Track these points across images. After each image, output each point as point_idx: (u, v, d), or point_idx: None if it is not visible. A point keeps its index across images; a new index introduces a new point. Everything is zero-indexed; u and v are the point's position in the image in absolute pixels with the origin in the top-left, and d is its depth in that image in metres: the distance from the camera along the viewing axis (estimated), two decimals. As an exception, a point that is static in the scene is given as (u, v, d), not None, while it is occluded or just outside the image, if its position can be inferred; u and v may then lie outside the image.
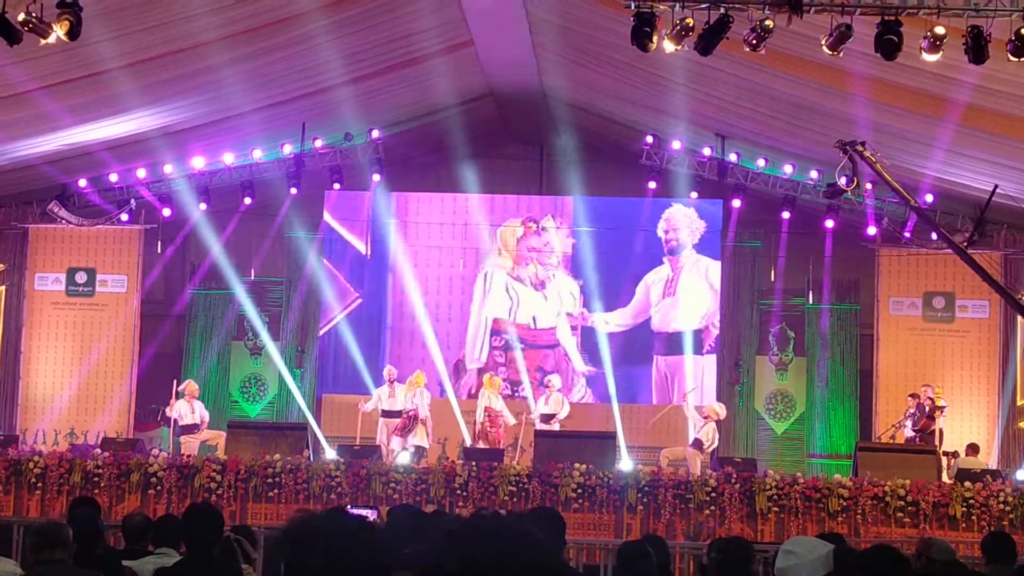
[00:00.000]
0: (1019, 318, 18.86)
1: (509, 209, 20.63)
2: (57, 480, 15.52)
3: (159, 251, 20.49)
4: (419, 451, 17.00)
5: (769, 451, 19.82)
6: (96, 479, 15.47)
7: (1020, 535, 13.22)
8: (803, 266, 20.08)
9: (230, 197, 19.80)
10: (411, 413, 17.47)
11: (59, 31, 11.77)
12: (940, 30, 11.50)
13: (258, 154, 19.36)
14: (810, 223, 19.41)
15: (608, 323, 20.08)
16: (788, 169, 18.85)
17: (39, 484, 15.57)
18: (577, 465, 15.18)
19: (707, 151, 19.02)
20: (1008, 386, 18.97)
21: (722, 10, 11.78)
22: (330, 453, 16.81)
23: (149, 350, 20.34)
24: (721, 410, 17.58)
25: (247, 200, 19.73)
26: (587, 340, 20.15)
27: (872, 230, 19.13)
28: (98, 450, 16.03)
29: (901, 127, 15.12)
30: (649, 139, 19.11)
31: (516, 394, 19.44)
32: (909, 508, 14.89)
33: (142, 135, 17.64)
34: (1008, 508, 14.84)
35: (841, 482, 15.15)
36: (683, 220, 20.26)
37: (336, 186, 19.71)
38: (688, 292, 20.11)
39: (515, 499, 15.06)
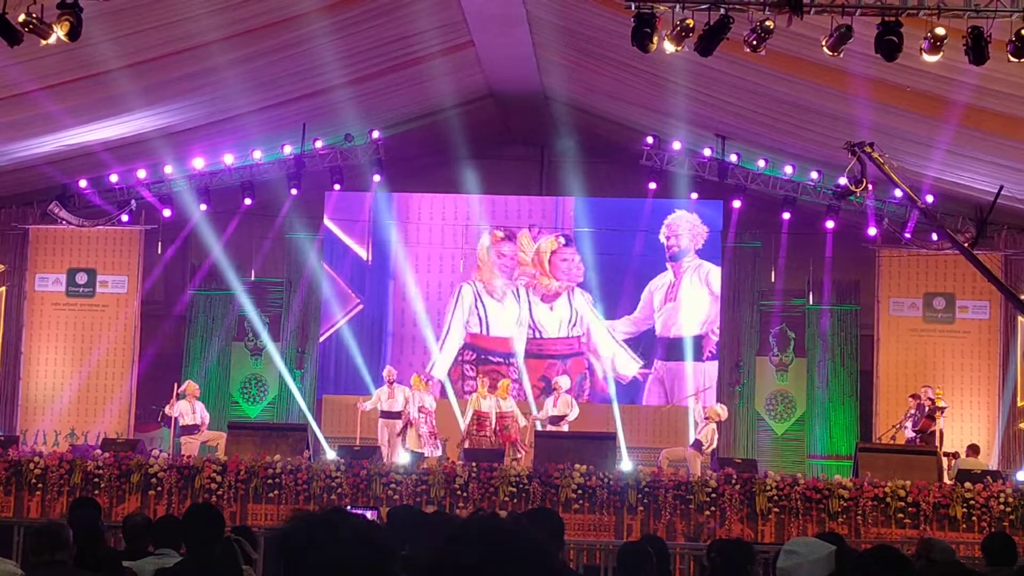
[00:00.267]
0: (1019, 319, 18.88)
1: (511, 210, 20.62)
2: (57, 481, 15.52)
3: (159, 252, 20.50)
4: (415, 455, 17.07)
5: (769, 452, 19.82)
6: (96, 480, 15.47)
7: (1020, 536, 13.22)
8: (803, 267, 20.08)
9: (230, 198, 19.81)
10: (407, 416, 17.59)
11: (59, 32, 11.77)
12: (940, 31, 11.50)
13: (258, 155, 19.37)
14: (810, 224, 19.42)
15: (615, 330, 20.10)
16: (788, 170, 18.85)
17: (39, 485, 15.57)
18: (577, 466, 15.18)
19: (707, 152, 19.03)
20: (1008, 387, 18.97)
21: (722, 11, 11.78)
22: (330, 454, 16.82)
23: (149, 351, 20.34)
24: (723, 411, 17.59)
25: (247, 201, 19.74)
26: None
27: (872, 231, 19.14)
28: (98, 451, 16.03)
29: (901, 128, 15.12)
30: (649, 140, 19.11)
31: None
32: (909, 509, 14.89)
33: (142, 136, 17.65)
34: (1008, 509, 14.84)
35: (841, 483, 15.15)
36: (685, 226, 20.26)
37: (336, 187, 19.72)
38: (689, 298, 20.11)
39: (515, 500, 15.06)
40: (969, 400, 19.11)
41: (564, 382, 18.38)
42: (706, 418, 17.35)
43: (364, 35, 15.68)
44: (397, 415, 17.74)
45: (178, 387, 17.74)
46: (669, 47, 12.14)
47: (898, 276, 19.66)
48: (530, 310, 20.28)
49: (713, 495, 15.03)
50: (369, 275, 20.63)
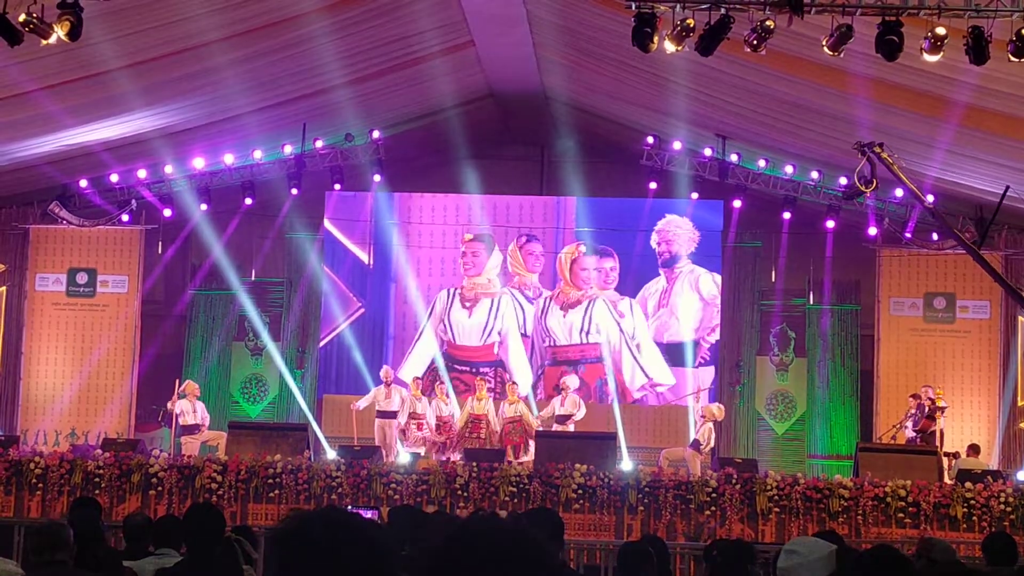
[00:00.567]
0: (1020, 318, 18.87)
1: (512, 210, 20.61)
2: (58, 481, 15.52)
3: (160, 252, 20.51)
4: (414, 455, 17.15)
5: (770, 452, 19.82)
6: (97, 480, 15.47)
7: (1021, 536, 13.21)
8: (804, 266, 20.08)
9: (231, 198, 19.82)
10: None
11: (60, 32, 11.77)
12: (941, 31, 11.50)
13: (259, 155, 19.37)
14: (811, 223, 19.42)
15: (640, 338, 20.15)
16: (789, 170, 18.85)
17: (40, 485, 15.57)
18: (578, 466, 15.18)
19: (708, 152, 19.03)
20: (1009, 387, 18.97)
21: (723, 11, 11.78)
22: (331, 454, 16.82)
23: (150, 351, 20.35)
24: (720, 411, 17.61)
25: (248, 201, 19.74)
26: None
27: (873, 231, 19.15)
28: (99, 451, 16.02)
29: (902, 128, 15.11)
30: (650, 140, 19.12)
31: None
32: (910, 509, 14.88)
33: (143, 136, 17.66)
34: (1009, 509, 14.83)
35: (842, 483, 15.14)
36: (677, 231, 20.24)
37: (337, 187, 19.72)
38: (680, 304, 20.10)
39: (516, 500, 15.06)
40: (969, 400, 19.11)
41: (572, 382, 18.41)
42: (703, 417, 17.37)
43: (364, 35, 15.68)
44: (394, 415, 17.80)
45: (179, 383, 17.76)
46: (669, 47, 12.14)
47: (898, 276, 19.66)
48: (544, 317, 20.21)
49: (713, 495, 15.03)
50: (370, 278, 20.63)
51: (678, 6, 11.84)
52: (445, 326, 20.26)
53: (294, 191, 19.52)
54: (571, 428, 17.65)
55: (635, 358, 19.95)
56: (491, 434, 17.57)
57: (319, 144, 19.28)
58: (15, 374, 20.09)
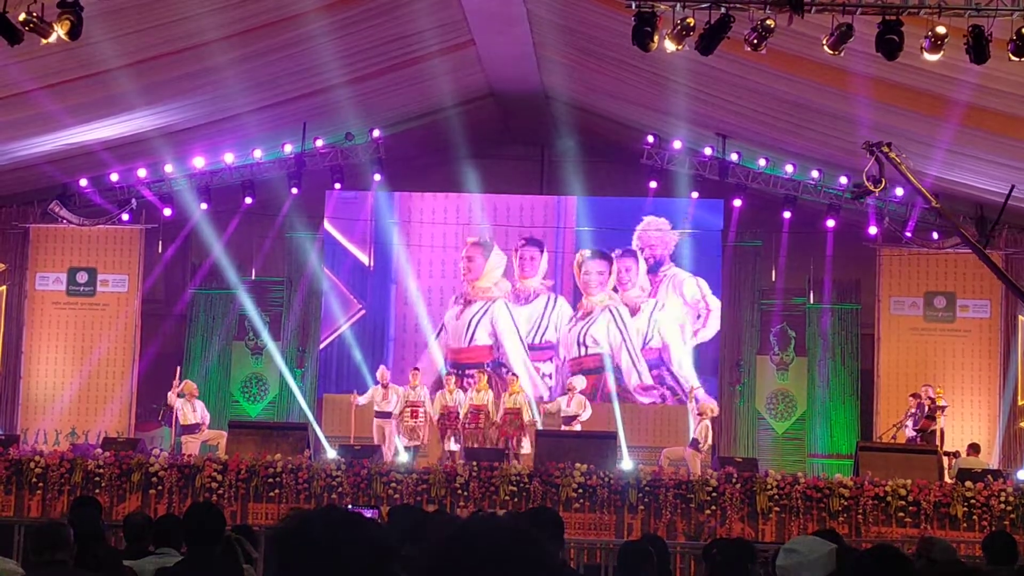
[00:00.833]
0: (1020, 317, 18.87)
1: (512, 210, 20.61)
2: (58, 480, 15.52)
3: (160, 251, 20.50)
4: (412, 451, 17.17)
5: (770, 451, 19.82)
6: (97, 479, 15.47)
7: (1021, 535, 13.20)
8: (804, 266, 20.08)
9: (231, 197, 19.81)
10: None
11: (60, 31, 11.77)
12: (941, 30, 11.50)
13: (259, 154, 19.37)
14: (811, 223, 19.42)
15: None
16: (789, 169, 18.85)
17: (40, 484, 15.57)
18: (578, 465, 15.18)
19: (708, 151, 19.03)
20: (1009, 386, 18.97)
21: (723, 10, 11.78)
22: (331, 453, 16.82)
23: (150, 350, 20.34)
24: (715, 408, 17.65)
25: (248, 200, 19.74)
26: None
27: (873, 230, 19.14)
28: (99, 450, 16.03)
29: (902, 127, 15.11)
30: (650, 139, 19.11)
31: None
32: (910, 508, 14.89)
33: (143, 135, 17.65)
34: (1009, 508, 14.84)
35: (842, 482, 15.14)
36: (656, 234, 20.23)
37: (337, 186, 19.71)
38: (666, 308, 20.10)
39: (516, 499, 15.06)
40: (970, 399, 19.11)
41: (579, 382, 18.44)
42: (700, 415, 17.39)
43: (364, 34, 15.68)
44: (390, 415, 17.83)
45: (178, 374, 17.76)
46: (670, 46, 12.14)
47: (899, 275, 19.66)
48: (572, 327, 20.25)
49: (714, 494, 15.03)
50: (371, 279, 20.63)
51: (678, 5, 11.84)
52: (445, 330, 20.28)
53: (294, 190, 19.52)
54: (578, 428, 17.66)
55: (634, 362, 19.99)
56: (489, 425, 17.55)
57: (319, 143, 19.27)
58: (15, 373, 20.08)
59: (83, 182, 19.59)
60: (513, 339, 20.16)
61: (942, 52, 11.64)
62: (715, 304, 20.08)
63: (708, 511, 15.01)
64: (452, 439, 17.45)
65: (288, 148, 19.34)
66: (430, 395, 18.10)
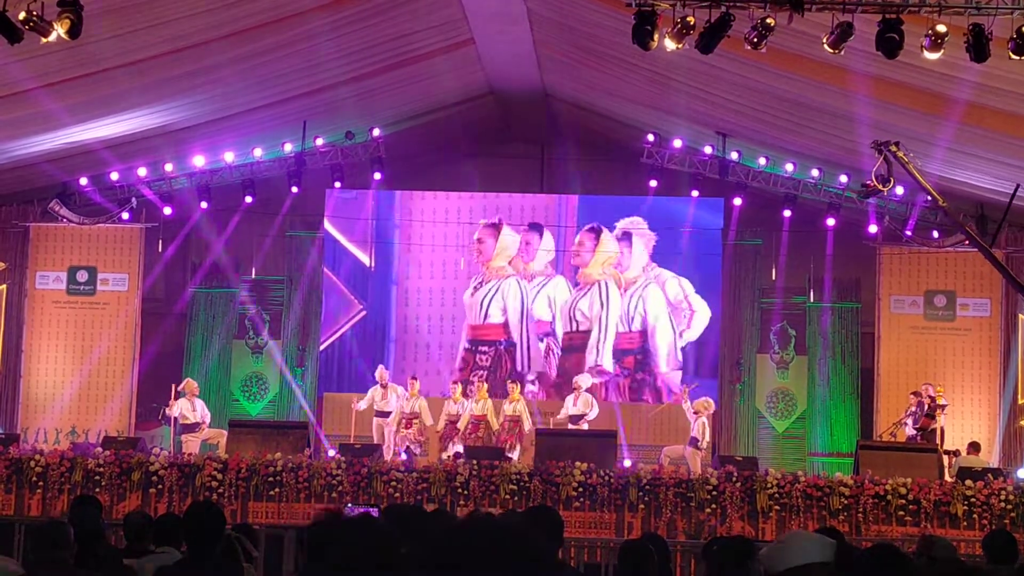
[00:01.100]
0: (1020, 316, 18.88)
1: (513, 209, 20.61)
2: (58, 479, 15.52)
3: (160, 250, 20.49)
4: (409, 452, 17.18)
5: (770, 449, 19.81)
6: (97, 478, 15.48)
7: (1021, 533, 13.20)
8: (804, 264, 20.08)
9: (231, 196, 19.81)
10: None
11: (60, 30, 11.76)
12: (941, 28, 11.50)
13: (259, 152, 19.37)
14: (811, 221, 19.41)
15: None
16: (789, 167, 18.85)
17: (40, 483, 15.57)
18: (578, 464, 15.18)
19: (708, 149, 19.02)
20: (1009, 384, 18.97)
21: (723, 8, 11.78)
22: (331, 452, 16.82)
23: (150, 349, 20.34)
24: (710, 405, 17.66)
25: (248, 199, 19.72)
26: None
27: (873, 228, 19.14)
28: (99, 449, 16.03)
29: (902, 126, 15.11)
30: (650, 138, 19.10)
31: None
32: (910, 506, 14.89)
33: (143, 134, 17.66)
34: (1009, 506, 14.84)
35: (842, 480, 15.14)
36: (634, 235, 20.22)
37: (337, 184, 19.71)
38: (649, 309, 20.11)
39: (516, 498, 15.05)
40: (970, 398, 19.11)
41: (584, 380, 18.46)
42: (695, 413, 17.40)
43: (364, 33, 15.68)
44: (390, 414, 17.85)
45: (176, 387, 17.74)
46: (670, 45, 12.13)
47: (899, 274, 19.66)
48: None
49: (714, 493, 15.03)
50: (371, 280, 20.63)
51: (678, 4, 11.83)
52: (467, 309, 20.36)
53: (294, 189, 19.52)
54: (585, 427, 17.67)
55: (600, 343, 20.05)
56: (489, 435, 17.58)
57: (319, 142, 19.27)
58: (15, 372, 20.08)
59: (83, 181, 19.58)
60: (517, 316, 20.28)
61: (942, 51, 11.64)
62: (699, 305, 20.04)
63: (708, 510, 15.01)
64: (452, 447, 17.47)
65: (288, 147, 19.34)
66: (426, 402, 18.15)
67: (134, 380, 19.98)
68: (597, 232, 20.28)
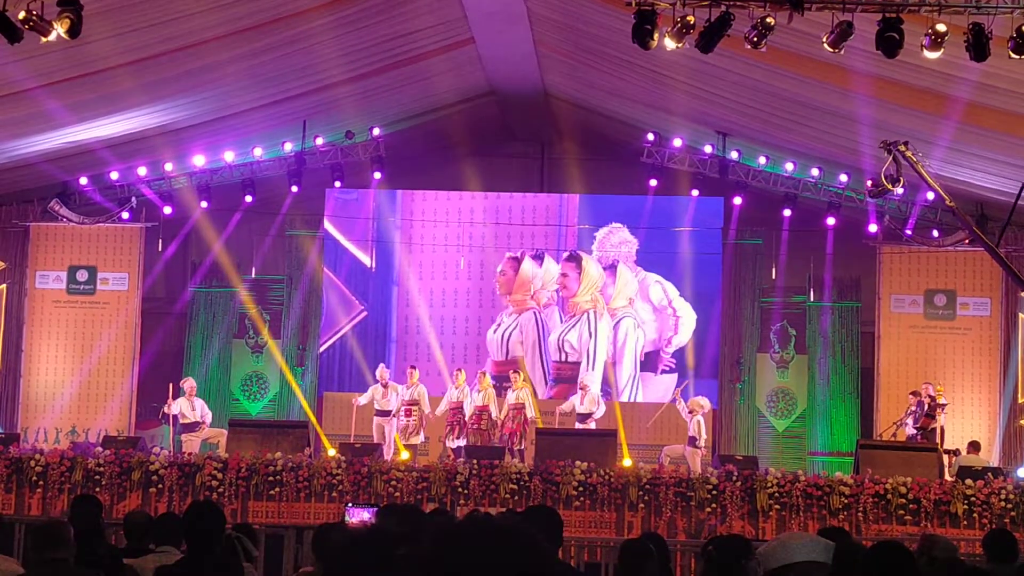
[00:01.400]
0: (1020, 315, 18.88)
1: (514, 209, 20.60)
2: (58, 478, 15.51)
3: (160, 249, 20.50)
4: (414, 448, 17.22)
5: (770, 449, 19.82)
6: (97, 477, 15.47)
7: (1021, 533, 13.20)
8: (804, 264, 20.08)
9: (231, 195, 19.81)
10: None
11: (60, 29, 11.76)
12: (941, 27, 11.50)
13: (259, 152, 19.37)
14: (811, 221, 19.41)
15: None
16: (789, 167, 18.85)
17: (40, 482, 15.57)
18: (578, 463, 15.18)
19: (708, 149, 19.02)
20: (1009, 384, 18.97)
21: (723, 8, 11.77)
22: (331, 451, 16.82)
23: (150, 348, 20.34)
24: (705, 403, 17.66)
25: (248, 198, 19.73)
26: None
27: (873, 228, 19.14)
28: (99, 448, 16.02)
29: (902, 125, 15.11)
30: (650, 137, 19.11)
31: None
32: (910, 506, 14.88)
33: (143, 133, 17.65)
34: (1009, 506, 14.83)
35: (842, 480, 15.14)
36: (614, 241, 20.22)
37: (337, 184, 19.71)
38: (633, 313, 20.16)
39: (516, 497, 15.05)
40: (970, 397, 19.11)
41: (591, 381, 18.50)
42: (691, 413, 17.41)
43: (364, 32, 15.68)
44: (390, 413, 17.85)
45: (174, 387, 17.74)
46: (670, 44, 12.12)
47: (899, 273, 19.66)
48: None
49: (714, 492, 15.03)
50: (372, 280, 20.62)
51: (678, 3, 11.83)
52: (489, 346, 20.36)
53: (294, 188, 19.52)
54: (592, 426, 17.67)
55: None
56: (492, 425, 17.55)
57: (319, 141, 19.27)
58: (15, 372, 20.08)
59: (83, 180, 19.58)
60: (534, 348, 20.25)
61: (942, 50, 11.64)
62: (684, 309, 20.03)
63: (708, 509, 15.01)
64: (456, 436, 17.43)
65: (288, 146, 19.34)
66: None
67: (134, 380, 19.98)
68: (577, 260, 20.27)
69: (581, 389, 18.28)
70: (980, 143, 15.65)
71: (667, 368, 20.01)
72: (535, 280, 20.31)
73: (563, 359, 20.15)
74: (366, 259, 20.61)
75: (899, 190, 17.96)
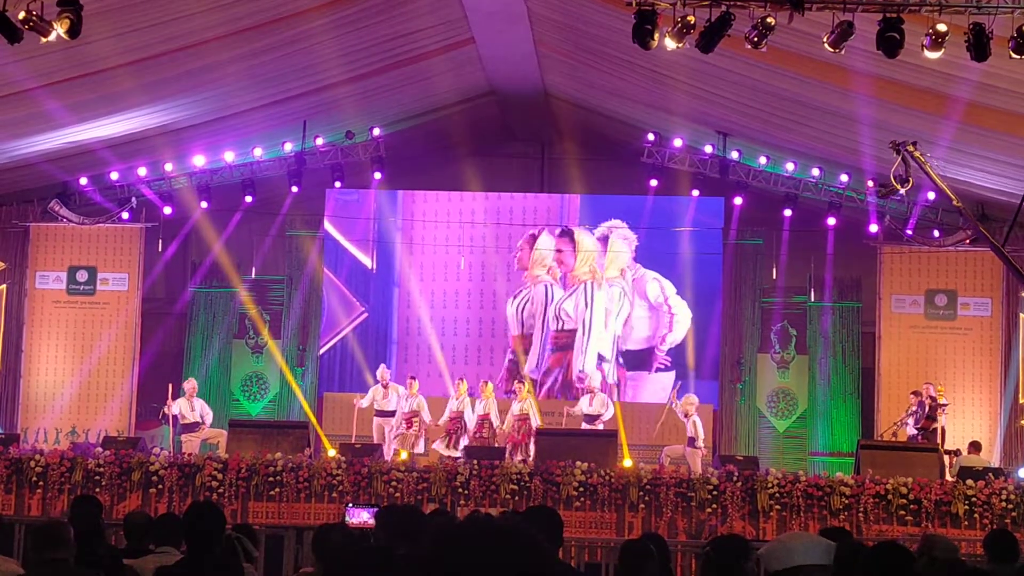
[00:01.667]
0: (1021, 315, 18.87)
1: (515, 209, 20.60)
2: (58, 479, 15.51)
3: (160, 249, 20.49)
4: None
5: (771, 449, 19.81)
6: (97, 478, 15.46)
7: (1022, 533, 13.20)
8: (805, 264, 20.07)
9: (231, 195, 19.81)
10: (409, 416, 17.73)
11: (60, 29, 11.76)
12: (942, 27, 11.49)
13: (259, 152, 19.37)
14: (812, 221, 19.41)
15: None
16: (790, 167, 18.84)
17: (40, 483, 15.56)
18: (579, 463, 15.18)
19: (708, 149, 19.02)
20: (1010, 384, 18.96)
21: (723, 7, 11.77)
22: (331, 452, 16.81)
23: (150, 349, 20.34)
24: (694, 399, 17.74)
25: (248, 198, 19.73)
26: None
27: (874, 228, 19.14)
28: (99, 449, 16.02)
29: (902, 125, 15.11)
30: (651, 137, 19.11)
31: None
32: (911, 506, 14.87)
33: (143, 133, 17.65)
34: (1010, 506, 14.82)
35: (843, 480, 15.13)
36: (616, 238, 20.23)
37: (337, 184, 19.70)
38: (629, 311, 20.16)
39: (516, 497, 15.05)
40: (971, 397, 19.10)
41: (595, 380, 18.48)
42: (685, 414, 17.42)
43: (364, 32, 15.67)
44: (391, 414, 17.85)
45: (174, 387, 17.73)
46: (670, 44, 12.12)
47: (900, 273, 19.65)
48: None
49: (715, 492, 15.02)
50: (373, 281, 20.62)
51: (679, 3, 11.83)
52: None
53: (295, 189, 19.52)
54: (600, 427, 17.66)
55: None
56: (494, 434, 17.56)
57: (319, 141, 19.27)
58: (15, 372, 20.08)
59: (83, 181, 19.58)
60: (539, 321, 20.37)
61: (943, 50, 11.63)
62: (680, 307, 20.02)
63: (709, 509, 15.00)
64: (450, 444, 17.41)
65: (288, 146, 19.34)
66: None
67: (134, 380, 19.98)
68: (570, 234, 20.31)
69: (589, 392, 18.28)
70: (981, 143, 15.64)
71: (662, 366, 19.99)
72: (548, 256, 20.41)
73: (560, 327, 20.19)
74: (367, 260, 20.61)
75: (904, 190, 18.04)
